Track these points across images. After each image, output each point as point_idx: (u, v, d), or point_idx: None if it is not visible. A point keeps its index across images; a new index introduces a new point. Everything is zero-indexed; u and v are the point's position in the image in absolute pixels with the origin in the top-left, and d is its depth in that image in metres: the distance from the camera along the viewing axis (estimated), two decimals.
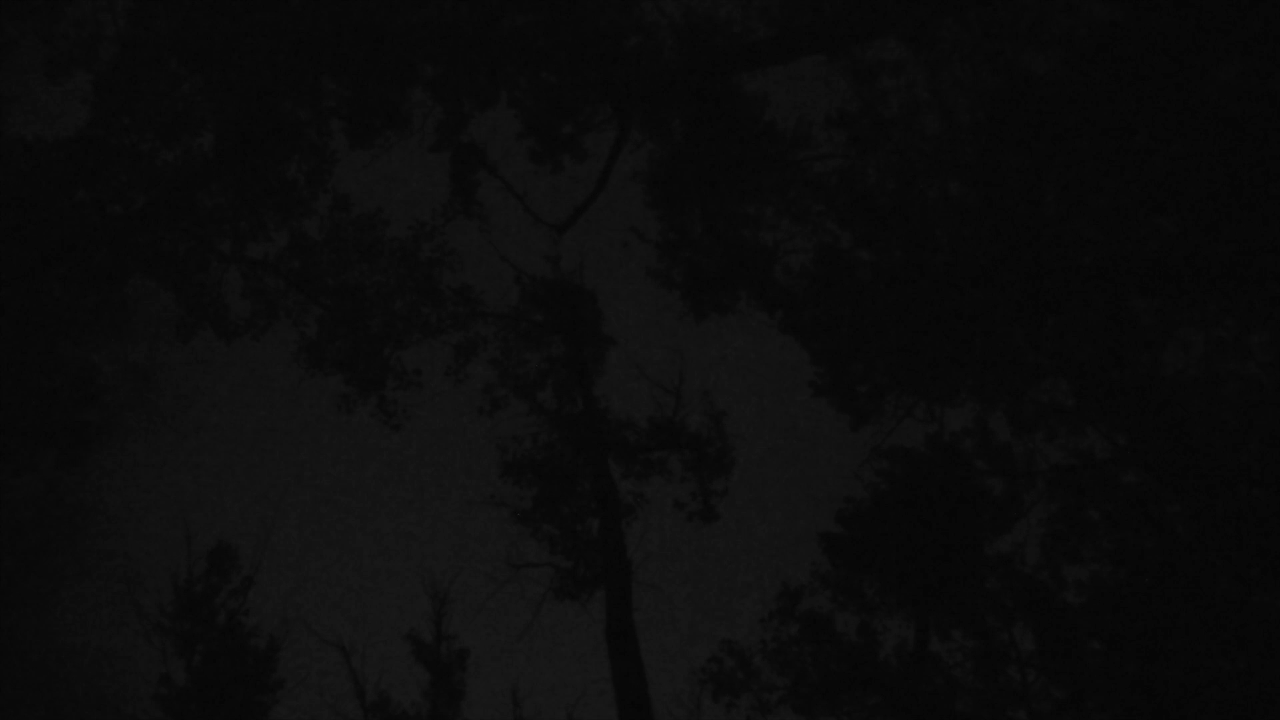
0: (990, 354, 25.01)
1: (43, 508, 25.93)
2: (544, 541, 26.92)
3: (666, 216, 28.16)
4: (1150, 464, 23.65)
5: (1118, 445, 24.19)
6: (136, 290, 26.18)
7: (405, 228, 28.31)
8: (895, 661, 25.00)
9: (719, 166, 27.37)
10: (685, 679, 25.36)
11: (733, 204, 27.77)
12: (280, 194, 26.59)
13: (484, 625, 26.05)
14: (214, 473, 27.13)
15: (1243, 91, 22.49)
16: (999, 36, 25.59)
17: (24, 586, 25.30)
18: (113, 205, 25.07)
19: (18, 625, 24.93)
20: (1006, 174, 24.86)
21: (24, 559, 25.47)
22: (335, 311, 27.51)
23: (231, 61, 25.46)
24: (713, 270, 27.91)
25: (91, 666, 24.88)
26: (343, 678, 25.31)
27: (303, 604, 25.79)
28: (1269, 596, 22.09)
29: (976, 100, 25.55)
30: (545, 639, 25.97)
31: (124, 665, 24.69)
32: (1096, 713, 23.30)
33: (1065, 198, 24.48)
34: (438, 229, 28.00)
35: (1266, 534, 21.95)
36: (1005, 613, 24.75)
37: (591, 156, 28.22)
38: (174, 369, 27.46)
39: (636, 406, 27.99)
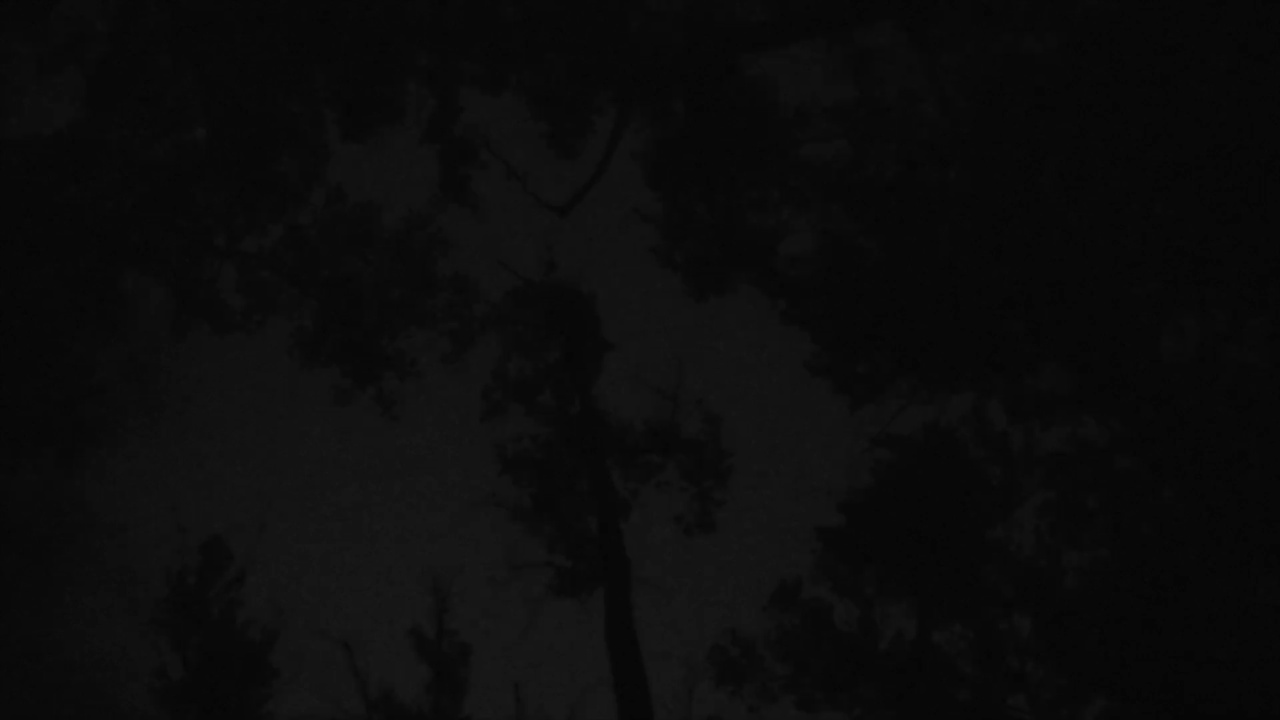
0: (988, 341, 24.91)
1: (42, 506, 26.06)
2: (543, 540, 26.93)
3: (668, 198, 28.08)
4: (1148, 452, 23.53)
5: (1115, 433, 24.07)
6: (132, 286, 26.26)
7: (400, 216, 28.29)
8: (895, 651, 24.98)
9: (720, 150, 27.29)
10: (685, 675, 25.39)
11: (734, 188, 27.71)
12: (274, 187, 26.63)
13: (485, 622, 26.15)
14: (211, 468, 27.19)
15: (1241, 80, 22.33)
16: (996, 22, 25.45)
17: (22, 585, 25.46)
18: (105, 202, 25.20)
19: (16, 623, 25.10)
20: (1005, 162, 24.75)
21: (23, 557, 25.62)
22: (331, 304, 27.57)
23: (223, 55, 25.50)
24: (714, 255, 27.85)
25: (90, 662, 25.03)
26: (341, 672, 25.37)
27: (301, 599, 25.86)
28: (1268, 584, 21.97)
29: (974, 87, 25.42)
30: (546, 636, 26.07)
31: (123, 661, 24.84)
32: (1096, 701, 23.28)
33: (1063, 185, 24.35)
34: (431, 217, 28.00)
35: (1265, 522, 21.82)
36: (1004, 601, 24.70)
37: (594, 141, 28.16)
38: (170, 364, 27.52)
39: (634, 408, 27.98)
